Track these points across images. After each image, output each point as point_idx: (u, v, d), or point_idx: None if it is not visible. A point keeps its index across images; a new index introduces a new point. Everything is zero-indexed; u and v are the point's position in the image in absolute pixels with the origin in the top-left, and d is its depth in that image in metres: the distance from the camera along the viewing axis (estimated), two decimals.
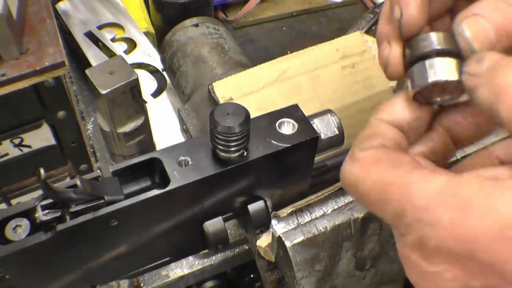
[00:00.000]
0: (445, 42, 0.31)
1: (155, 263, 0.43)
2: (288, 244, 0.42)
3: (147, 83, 0.73)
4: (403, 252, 0.28)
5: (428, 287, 0.27)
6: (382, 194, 0.28)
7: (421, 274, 0.27)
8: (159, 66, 0.74)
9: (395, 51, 0.34)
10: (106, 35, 0.74)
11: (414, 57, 0.32)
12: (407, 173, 0.27)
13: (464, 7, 0.31)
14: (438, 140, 0.33)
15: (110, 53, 0.72)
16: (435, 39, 0.31)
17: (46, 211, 0.34)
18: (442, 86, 0.31)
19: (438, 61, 0.31)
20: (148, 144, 0.47)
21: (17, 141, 0.60)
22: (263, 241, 0.45)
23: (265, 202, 0.42)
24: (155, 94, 0.73)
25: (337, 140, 0.43)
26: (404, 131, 0.32)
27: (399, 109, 0.32)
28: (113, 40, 0.74)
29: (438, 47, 0.31)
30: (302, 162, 0.41)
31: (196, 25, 0.67)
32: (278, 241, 0.43)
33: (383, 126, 0.32)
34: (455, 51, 0.30)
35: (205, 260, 0.59)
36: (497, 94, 0.26)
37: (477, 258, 0.24)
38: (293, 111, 0.40)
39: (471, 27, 0.30)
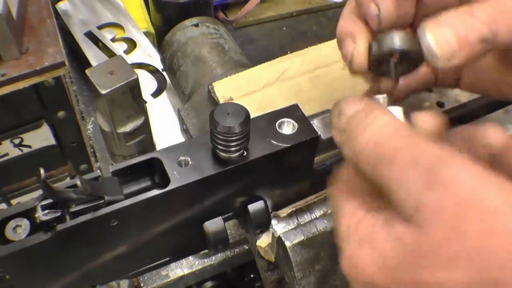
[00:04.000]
0: (409, 43, 0.34)
1: (155, 263, 0.43)
2: (288, 244, 0.42)
3: (147, 83, 0.73)
4: None
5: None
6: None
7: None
8: (159, 66, 0.74)
9: (360, 47, 0.36)
10: (106, 35, 0.74)
11: (381, 52, 0.34)
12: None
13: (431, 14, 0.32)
14: None
15: (110, 53, 0.72)
16: (398, 39, 0.34)
17: (46, 211, 0.33)
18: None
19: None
20: (148, 144, 0.47)
21: (17, 141, 0.60)
22: (263, 241, 0.45)
23: (265, 202, 0.42)
24: (155, 94, 0.73)
25: None
26: None
27: None
28: (113, 40, 0.74)
29: (403, 48, 0.34)
30: (302, 162, 0.41)
31: (196, 25, 0.67)
32: (278, 241, 0.43)
33: None
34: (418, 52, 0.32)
35: (205, 260, 0.59)
36: (356, 155, 0.28)
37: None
38: (293, 111, 0.40)
39: (434, 35, 0.31)
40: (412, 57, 0.34)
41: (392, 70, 0.35)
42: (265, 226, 0.43)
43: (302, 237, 0.42)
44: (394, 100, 0.36)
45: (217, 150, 0.36)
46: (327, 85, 0.54)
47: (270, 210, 0.43)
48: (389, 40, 0.34)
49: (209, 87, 0.52)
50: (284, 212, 0.44)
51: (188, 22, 0.67)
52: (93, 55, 0.71)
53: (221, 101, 0.51)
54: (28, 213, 0.34)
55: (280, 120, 0.39)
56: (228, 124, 0.34)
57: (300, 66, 0.54)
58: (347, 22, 0.37)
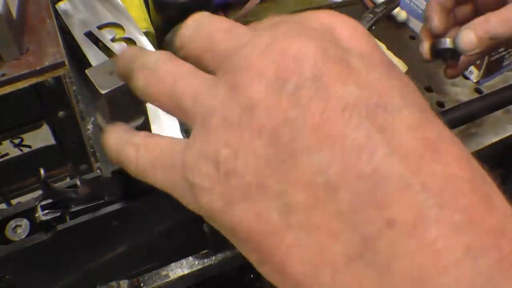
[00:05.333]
0: (452, 44, 0.58)
1: (155, 263, 0.43)
2: None
3: None
4: None
5: None
6: None
7: None
8: None
9: (425, 45, 0.62)
10: (106, 35, 0.74)
11: (435, 51, 0.61)
12: None
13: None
14: None
15: (110, 53, 0.72)
16: (448, 42, 0.59)
17: (46, 211, 0.33)
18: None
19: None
20: None
21: (17, 141, 0.60)
22: None
23: None
24: None
25: None
26: None
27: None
28: (113, 40, 0.74)
29: (449, 47, 0.59)
30: None
31: None
32: None
33: None
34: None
35: (205, 260, 0.59)
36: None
37: None
38: None
39: (462, 37, 0.56)
40: (455, 51, 0.58)
41: (446, 58, 0.62)
42: None
43: None
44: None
45: None
46: None
47: None
48: (442, 42, 0.59)
49: None
50: None
51: None
52: (93, 55, 0.71)
53: None
54: (28, 213, 0.34)
55: None
56: None
57: None
58: (423, 29, 0.63)
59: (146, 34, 0.78)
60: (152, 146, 0.26)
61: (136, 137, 0.28)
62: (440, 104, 0.79)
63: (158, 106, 0.27)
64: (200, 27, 0.26)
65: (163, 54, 0.27)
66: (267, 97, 0.20)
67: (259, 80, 0.21)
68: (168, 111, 0.26)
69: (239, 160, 0.21)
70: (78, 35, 0.73)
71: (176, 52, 0.28)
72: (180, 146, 0.24)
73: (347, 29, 0.23)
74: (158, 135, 0.27)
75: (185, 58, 0.27)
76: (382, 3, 0.80)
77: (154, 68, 0.26)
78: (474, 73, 0.82)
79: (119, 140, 0.29)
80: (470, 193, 0.19)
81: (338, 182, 0.19)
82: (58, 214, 0.34)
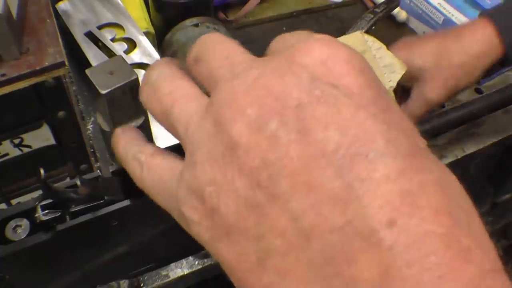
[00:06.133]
0: None
1: (155, 263, 0.43)
2: None
3: None
4: None
5: None
6: None
7: None
8: None
9: None
10: (106, 35, 0.74)
11: None
12: None
13: None
14: None
15: (110, 53, 0.72)
16: None
17: (46, 211, 0.33)
18: None
19: None
20: None
21: (17, 141, 0.60)
22: None
23: None
24: None
25: None
26: None
27: None
28: (113, 40, 0.74)
29: None
30: None
31: (196, 25, 0.67)
32: None
33: None
34: None
35: (205, 260, 0.59)
36: None
37: None
38: None
39: None
40: None
41: None
42: None
43: None
44: None
45: None
46: None
47: None
48: None
49: None
50: None
51: (188, 22, 0.67)
52: (93, 55, 0.71)
53: None
54: (28, 213, 0.34)
55: None
56: None
57: None
58: None
59: (146, 34, 0.78)
60: (154, 169, 0.27)
61: (141, 154, 0.28)
62: (441, 104, 0.79)
63: (158, 123, 0.27)
64: (202, 51, 0.26)
65: (165, 68, 0.27)
66: (248, 137, 0.20)
67: (241, 119, 0.21)
68: (166, 129, 0.27)
69: (222, 199, 0.21)
70: (78, 35, 0.73)
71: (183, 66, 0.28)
72: (177, 175, 0.25)
73: (340, 63, 0.21)
74: (162, 155, 0.28)
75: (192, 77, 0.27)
76: (382, 3, 0.80)
77: (155, 85, 0.26)
78: None
79: (126, 151, 0.29)
80: (444, 250, 0.18)
81: (312, 231, 0.19)
82: (58, 214, 0.34)
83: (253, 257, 0.20)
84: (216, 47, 0.25)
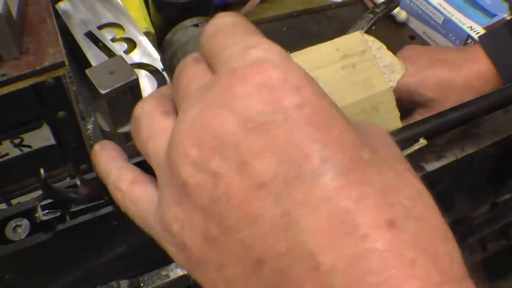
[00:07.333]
0: None
1: (155, 263, 0.43)
2: None
3: (147, 83, 0.73)
4: None
5: None
6: None
7: None
8: (159, 66, 0.74)
9: None
10: (106, 35, 0.74)
11: None
12: None
13: None
14: None
15: (110, 53, 0.72)
16: None
17: (46, 211, 0.34)
18: None
19: None
20: None
21: (17, 141, 0.60)
22: None
23: None
24: None
25: None
26: None
27: None
28: (113, 40, 0.74)
29: None
30: None
31: (196, 25, 0.67)
32: None
33: None
34: None
35: None
36: None
37: None
38: None
39: None
40: None
41: None
42: None
43: None
44: None
45: None
46: (327, 85, 0.54)
47: None
48: None
49: None
50: None
51: (188, 22, 0.67)
52: (93, 55, 0.71)
53: None
54: (28, 213, 0.34)
55: None
56: None
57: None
58: None
59: (146, 34, 0.78)
60: (135, 200, 0.28)
61: (122, 183, 0.29)
62: None
63: None
64: (175, 78, 0.28)
65: (149, 104, 0.28)
66: (195, 177, 0.21)
67: (186, 161, 0.21)
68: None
69: (186, 234, 0.22)
70: (78, 35, 0.73)
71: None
72: (154, 209, 0.26)
73: (274, 88, 0.21)
74: (141, 183, 0.28)
75: None
76: (382, 3, 0.80)
77: (137, 119, 0.28)
78: None
79: (106, 174, 0.30)
80: (382, 268, 0.17)
81: (263, 258, 0.20)
82: (58, 214, 0.34)
83: (222, 284, 0.22)
84: (181, 75, 0.26)
